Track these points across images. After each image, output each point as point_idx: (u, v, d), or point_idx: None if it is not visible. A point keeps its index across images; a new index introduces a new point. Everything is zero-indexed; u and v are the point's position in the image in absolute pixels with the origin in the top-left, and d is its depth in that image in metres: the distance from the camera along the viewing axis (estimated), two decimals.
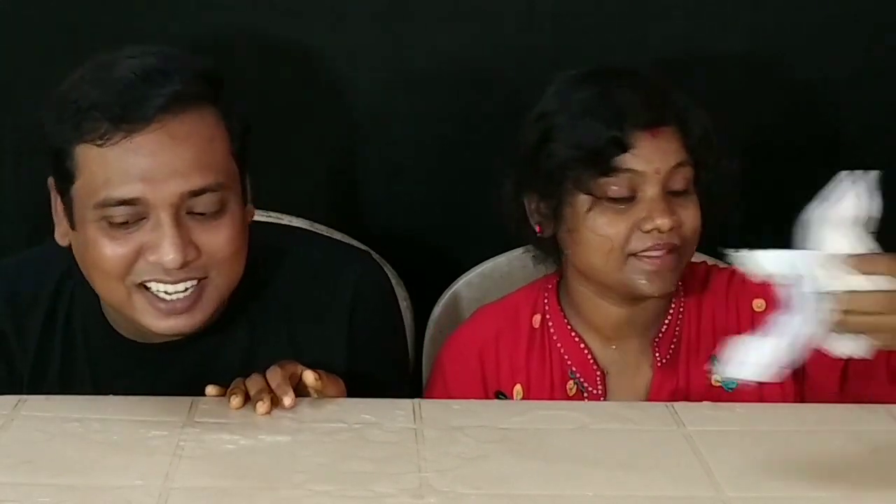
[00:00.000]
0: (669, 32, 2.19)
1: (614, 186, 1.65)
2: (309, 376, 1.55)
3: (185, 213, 1.53)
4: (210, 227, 1.54)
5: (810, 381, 1.70)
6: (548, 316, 1.78)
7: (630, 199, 1.65)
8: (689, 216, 1.67)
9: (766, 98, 2.23)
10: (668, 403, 1.60)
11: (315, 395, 1.56)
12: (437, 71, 2.20)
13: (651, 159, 1.65)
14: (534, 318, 1.78)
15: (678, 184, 1.66)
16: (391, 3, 2.18)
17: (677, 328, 1.75)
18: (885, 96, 2.22)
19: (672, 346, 1.74)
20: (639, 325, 1.75)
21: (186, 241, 1.52)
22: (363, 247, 1.95)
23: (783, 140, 2.25)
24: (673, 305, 1.76)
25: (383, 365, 1.73)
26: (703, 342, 1.74)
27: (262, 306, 1.68)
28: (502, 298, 1.86)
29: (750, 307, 1.73)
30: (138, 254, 1.53)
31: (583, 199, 1.67)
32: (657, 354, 1.74)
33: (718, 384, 1.72)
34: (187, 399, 1.54)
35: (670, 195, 1.66)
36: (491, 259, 2.05)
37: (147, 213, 1.52)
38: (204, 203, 1.53)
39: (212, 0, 2.18)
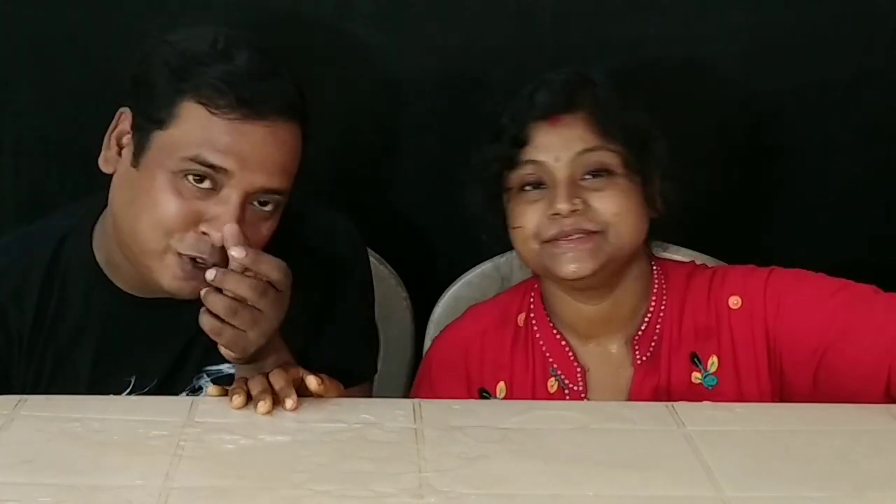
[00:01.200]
0: (669, 32, 2.19)
1: (521, 177, 1.70)
2: (312, 381, 1.56)
3: (248, 203, 1.60)
4: (259, 222, 1.63)
5: (786, 378, 1.71)
6: (532, 314, 1.80)
7: (541, 189, 1.69)
8: (606, 201, 1.68)
9: (766, 98, 2.23)
10: (668, 403, 1.60)
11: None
12: (437, 70, 2.20)
13: (550, 148, 1.68)
14: (519, 317, 1.81)
15: (590, 169, 1.68)
16: (391, 2, 2.18)
17: (658, 326, 1.75)
18: (881, 98, 2.22)
19: (652, 345, 1.75)
20: (615, 322, 1.76)
21: (241, 227, 1.58)
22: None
23: (782, 139, 2.25)
24: (653, 304, 1.76)
25: (355, 327, 1.79)
26: (684, 341, 1.74)
27: None
28: (494, 297, 1.89)
29: (726, 304, 1.74)
30: (194, 222, 1.59)
31: (504, 194, 1.73)
32: (637, 352, 1.75)
33: (699, 382, 1.73)
34: (187, 399, 1.55)
35: (587, 181, 1.68)
36: (491, 259, 2.05)
37: (221, 186, 1.58)
38: (269, 201, 1.62)
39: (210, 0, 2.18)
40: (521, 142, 1.70)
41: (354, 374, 1.76)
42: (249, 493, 1.33)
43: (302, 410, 1.53)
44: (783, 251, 2.29)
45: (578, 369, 1.76)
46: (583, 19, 2.18)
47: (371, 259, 2.02)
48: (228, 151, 1.58)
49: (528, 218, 1.69)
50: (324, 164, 2.27)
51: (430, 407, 1.57)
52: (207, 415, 1.51)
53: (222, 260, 1.58)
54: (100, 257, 1.71)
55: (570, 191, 1.67)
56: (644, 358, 1.74)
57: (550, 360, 1.77)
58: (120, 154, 1.66)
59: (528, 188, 1.70)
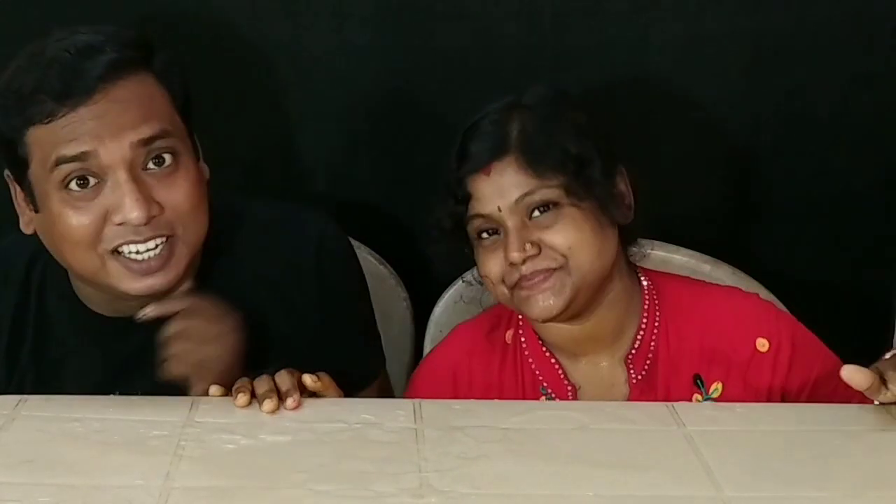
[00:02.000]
0: (669, 32, 2.19)
1: (474, 229, 1.68)
2: (307, 378, 1.57)
3: (140, 170, 1.58)
4: (167, 182, 1.59)
5: (789, 397, 1.71)
6: (520, 331, 1.77)
7: (497, 235, 1.67)
8: (557, 236, 1.64)
9: (766, 98, 2.23)
10: (668, 403, 1.60)
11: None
12: (437, 70, 2.20)
13: (490, 199, 1.65)
14: (507, 334, 1.78)
15: (536, 208, 1.65)
16: (391, 2, 2.18)
17: (652, 344, 1.72)
18: (884, 100, 2.22)
19: (647, 363, 1.72)
20: (602, 340, 1.73)
21: (147, 197, 1.57)
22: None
23: (781, 140, 2.26)
24: (644, 321, 1.73)
25: (355, 322, 1.78)
26: (685, 360, 1.71)
27: (228, 274, 1.71)
28: (478, 315, 1.86)
29: (752, 345, 1.70)
30: (104, 219, 1.58)
31: (469, 244, 1.71)
32: (632, 371, 1.71)
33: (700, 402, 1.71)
34: (187, 399, 1.55)
35: (535, 219, 1.65)
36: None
37: (104, 174, 1.57)
38: (157, 153, 1.58)
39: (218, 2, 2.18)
40: (464, 197, 1.67)
41: (364, 375, 1.76)
42: (249, 493, 1.33)
43: (302, 410, 1.53)
44: (782, 251, 2.29)
45: (569, 387, 1.73)
46: (583, 19, 2.18)
47: (371, 259, 2.03)
48: (80, 136, 1.55)
49: (490, 267, 1.67)
50: (323, 164, 2.27)
51: (430, 407, 1.57)
52: (207, 415, 1.51)
53: (155, 233, 1.57)
54: (75, 288, 1.71)
55: (519, 237, 1.64)
56: (640, 377, 1.71)
57: (540, 377, 1.74)
58: (31, 211, 1.65)
59: (484, 236, 1.68)
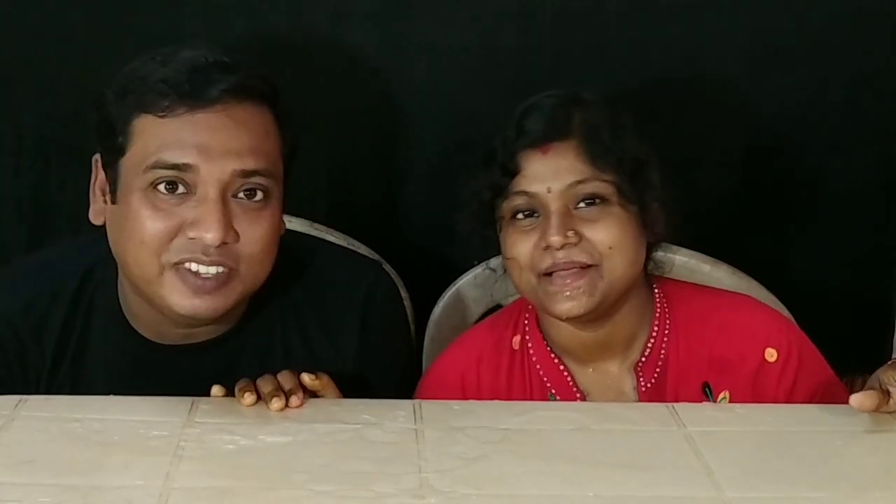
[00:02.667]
0: (669, 33, 2.19)
1: (512, 206, 1.65)
2: (305, 377, 1.57)
3: (230, 195, 1.57)
4: (251, 217, 1.58)
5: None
6: (527, 337, 1.75)
7: (534, 217, 1.64)
8: (601, 232, 1.62)
9: (766, 98, 2.23)
10: (668, 404, 1.60)
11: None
12: (437, 71, 2.20)
13: (542, 179, 1.63)
14: (514, 340, 1.76)
15: (584, 199, 1.63)
16: (391, 2, 2.18)
17: (662, 352, 1.71)
18: (883, 101, 2.22)
19: (657, 371, 1.71)
20: (613, 347, 1.71)
21: (228, 223, 1.56)
22: (375, 256, 1.97)
23: (782, 140, 2.26)
24: (655, 329, 1.72)
25: (390, 372, 1.76)
26: (694, 369, 1.70)
27: (277, 313, 1.71)
28: (483, 322, 1.85)
29: (761, 354, 1.70)
30: (178, 230, 1.57)
31: (499, 223, 1.68)
32: (641, 379, 1.71)
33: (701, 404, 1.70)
34: (187, 399, 1.54)
35: (580, 211, 1.63)
36: (491, 259, 2.05)
37: (195, 187, 1.56)
38: (250, 186, 1.58)
39: (217, 2, 2.18)
40: (511, 171, 1.64)
41: None
42: (249, 493, 1.33)
43: (302, 411, 1.53)
44: (782, 251, 2.29)
45: (578, 394, 1.72)
46: (583, 19, 2.18)
47: None
48: (187, 146, 1.55)
49: (521, 249, 1.64)
50: (322, 164, 2.27)
51: (430, 407, 1.57)
52: (207, 415, 1.51)
53: (221, 260, 1.57)
54: (123, 303, 1.70)
55: (562, 222, 1.61)
56: (649, 384, 1.71)
57: (548, 384, 1.73)
58: (106, 202, 1.64)
59: (520, 216, 1.65)
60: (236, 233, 1.57)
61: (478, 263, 1.88)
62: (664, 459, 1.43)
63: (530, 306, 1.76)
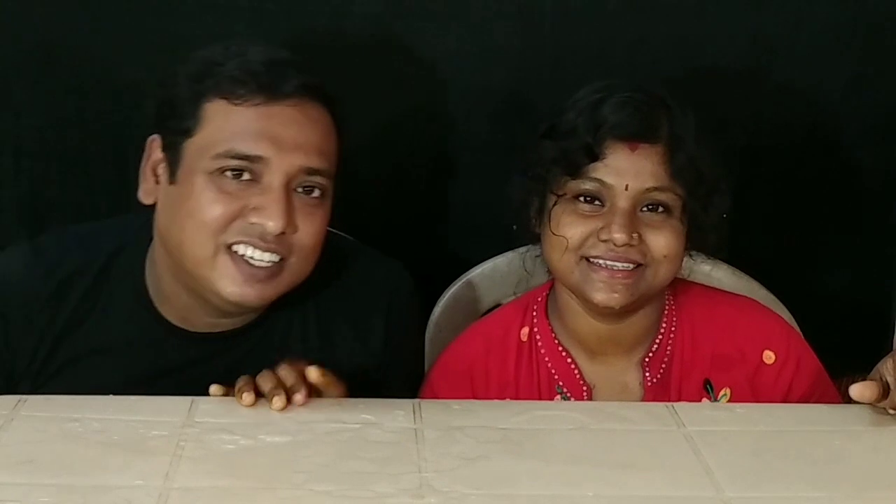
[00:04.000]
0: (669, 33, 2.19)
1: (580, 189, 1.64)
2: (312, 372, 1.56)
3: (292, 188, 1.61)
4: (307, 211, 1.63)
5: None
6: (535, 329, 1.76)
7: (596, 205, 1.64)
8: (661, 240, 1.64)
9: (765, 98, 2.23)
10: (668, 404, 1.60)
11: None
12: (437, 71, 2.20)
13: (623, 174, 1.63)
14: (522, 332, 1.76)
15: (653, 206, 1.64)
16: (392, 3, 2.18)
17: (668, 348, 1.73)
18: (883, 101, 2.22)
19: (663, 366, 1.72)
20: (625, 342, 1.73)
21: (291, 213, 1.60)
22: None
23: (781, 141, 2.26)
24: (664, 325, 1.74)
25: (405, 372, 1.79)
26: (697, 365, 1.72)
27: (299, 306, 1.73)
28: (492, 313, 1.86)
29: (759, 355, 1.71)
30: (240, 213, 1.60)
31: (553, 197, 1.67)
32: (647, 374, 1.72)
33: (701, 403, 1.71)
34: (187, 399, 1.54)
35: (644, 214, 1.64)
36: (491, 259, 2.05)
37: (261, 176, 1.59)
38: (311, 184, 1.62)
39: (219, 2, 2.18)
40: (594, 155, 1.63)
41: None
42: (249, 493, 1.33)
43: (301, 410, 1.53)
44: (782, 251, 2.29)
45: (584, 387, 1.73)
46: (583, 19, 2.18)
47: None
48: (260, 137, 1.59)
49: (575, 231, 1.64)
50: None
51: (430, 407, 1.57)
52: (207, 415, 1.51)
53: (276, 248, 1.59)
54: (150, 287, 1.71)
55: (629, 222, 1.62)
56: (655, 380, 1.72)
57: (556, 376, 1.73)
58: (157, 182, 1.66)
59: (582, 199, 1.65)
60: (295, 224, 1.61)
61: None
62: (664, 459, 1.43)
63: (539, 298, 1.77)
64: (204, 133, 1.60)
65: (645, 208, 1.64)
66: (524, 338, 1.76)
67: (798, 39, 2.20)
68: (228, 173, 1.59)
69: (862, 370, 1.59)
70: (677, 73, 2.20)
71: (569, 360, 1.74)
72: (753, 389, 1.71)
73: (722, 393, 1.71)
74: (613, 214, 1.63)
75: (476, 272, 2.04)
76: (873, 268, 2.31)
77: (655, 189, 1.63)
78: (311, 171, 1.61)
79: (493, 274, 2.03)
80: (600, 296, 1.63)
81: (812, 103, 2.23)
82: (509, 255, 2.00)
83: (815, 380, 1.73)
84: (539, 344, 1.75)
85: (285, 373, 1.56)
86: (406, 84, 2.21)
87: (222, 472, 1.37)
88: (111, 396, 1.57)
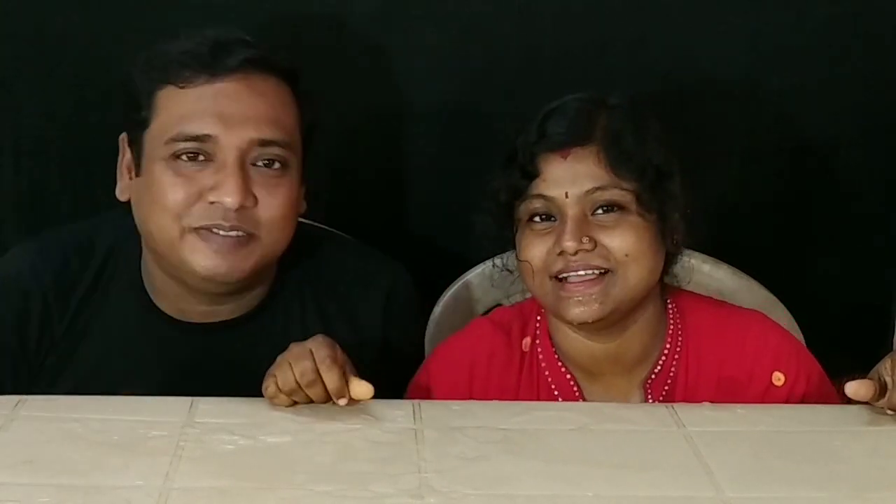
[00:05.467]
0: (669, 32, 2.19)
1: (530, 209, 1.63)
2: (363, 389, 1.52)
3: (249, 163, 1.62)
4: (269, 184, 1.63)
5: None
6: (538, 341, 1.73)
7: (551, 221, 1.62)
8: (617, 240, 1.60)
9: (766, 98, 2.23)
10: (668, 404, 1.60)
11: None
12: (437, 71, 2.20)
13: (561, 183, 1.61)
14: (524, 341, 1.74)
15: (602, 206, 1.61)
16: (391, 3, 2.18)
17: (672, 369, 1.69)
18: (883, 101, 2.22)
19: (666, 388, 1.69)
20: (624, 361, 1.69)
21: (247, 188, 1.61)
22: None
23: (782, 140, 2.26)
24: (668, 345, 1.70)
25: (402, 367, 1.77)
26: (702, 387, 1.68)
27: (299, 300, 1.75)
28: (494, 313, 1.83)
29: (769, 377, 1.68)
30: (199, 195, 1.61)
31: (515, 224, 1.66)
32: (649, 396, 1.69)
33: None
34: (187, 399, 1.54)
35: (598, 217, 1.61)
36: (490, 259, 2.04)
37: (214, 155, 1.61)
38: (268, 156, 1.63)
39: (217, 2, 2.18)
40: (531, 174, 1.62)
41: None
42: (249, 493, 1.33)
43: (301, 410, 1.53)
44: (782, 251, 2.29)
45: None
46: (583, 19, 2.18)
47: None
48: (206, 115, 1.60)
49: (535, 252, 1.62)
50: (323, 164, 2.26)
51: (429, 407, 1.57)
52: (207, 415, 1.51)
53: (240, 225, 1.60)
54: (146, 279, 1.73)
55: (578, 228, 1.59)
56: (657, 402, 1.68)
57: (556, 392, 1.71)
58: (131, 178, 1.69)
59: (536, 220, 1.63)
60: (255, 197, 1.62)
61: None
62: (664, 459, 1.43)
63: (543, 309, 1.74)
64: (158, 121, 1.63)
65: (599, 211, 1.61)
66: (526, 348, 1.73)
67: (798, 40, 2.20)
68: (184, 157, 1.61)
69: (862, 370, 1.59)
70: (677, 73, 2.20)
71: (568, 376, 1.70)
72: None
73: None
74: (563, 225, 1.61)
75: (476, 272, 2.04)
76: (873, 268, 2.31)
77: (597, 189, 1.60)
78: (265, 143, 1.62)
79: (492, 274, 2.03)
80: (573, 312, 1.61)
81: (811, 104, 2.22)
82: (509, 255, 2.00)
83: (822, 392, 1.70)
84: (540, 357, 1.72)
85: (330, 378, 1.51)
86: (406, 84, 2.21)
87: (222, 472, 1.37)
88: (111, 396, 1.57)
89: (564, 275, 1.61)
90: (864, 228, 2.29)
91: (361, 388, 1.53)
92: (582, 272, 1.60)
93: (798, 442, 1.49)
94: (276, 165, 1.64)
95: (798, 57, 2.20)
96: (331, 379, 1.51)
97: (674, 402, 1.67)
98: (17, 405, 1.52)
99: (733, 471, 1.39)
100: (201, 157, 1.61)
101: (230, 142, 1.60)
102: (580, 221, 1.60)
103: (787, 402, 1.68)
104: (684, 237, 1.67)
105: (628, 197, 1.61)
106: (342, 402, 1.52)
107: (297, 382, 1.52)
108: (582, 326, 1.64)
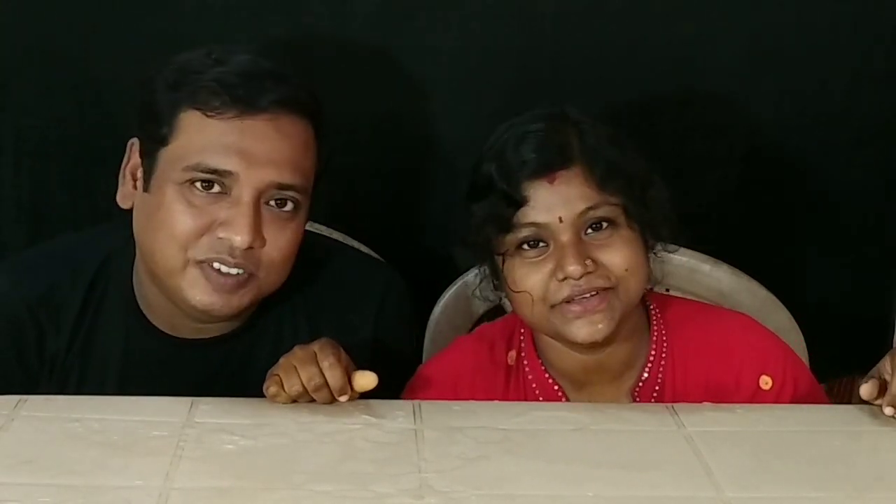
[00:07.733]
0: (669, 33, 2.19)
1: (519, 238, 1.59)
2: (368, 379, 1.54)
3: (263, 202, 1.60)
4: (278, 225, 1.61)
5: None
6: (523, 354, 1.71)
7: (541, 247, 1.60)
8: (616, 257, 1.59)
9: (765, 98, 2.23)
10: (668, 404, 1.60)
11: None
12: (437, 71, 2.20)
13: (553, 208, 1.58)
14: (509, 355, 1.72)
15: (595, 225, 1.59)
16: (391, 2, 2.18)
17: (659, 377, 1.68)
18: (883, 101, 2.22)
19: (654, 395, 1.68)
20: (611, 369, 1.67)
21: (259, 228, 1.59)
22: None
23: (782, 140, 2.26)
24: (653, 352, 1.69)
25: (395, 373, 1.74)
26: (690, 393, 1.67)
27: (290, 310, 1.73)
28: (478, 330, 1.82)
29: (756, 381, 1.67)
30: (209, 228, 1.59)
31: (499, 258, 1.63)
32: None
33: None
34: (187, 399, 1.54)
35: (590, 235, 1.59)
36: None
37: (230, 189, 1.58)
38: (283, 197, 1.61)
39: (218, 2, 2.18)
40: (517, 202, 1.58)
41: None
42: (249, 493, 1.33)
43: (301, 410, 1.53)
44: (782, 251, 2.29)
45: None
46: (583, 19, 2.18)
47: None
48: (230, 152, 1.58)
49: (533, 282, 1.59)
50: (323, 164, 2.27)
51: (430, 408, 1.57)
52: (207, 415, 1.51)
53: (244, 263, 1.59)
54: (138, 293, 1.71)
55: (578, 252, 1.57)
56: None
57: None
58: (135, 187, 1.66)
59: (526, 247, 1.60)
60: (263, 238, 1.60)
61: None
62: (664, 459, 1.43)
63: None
64: (177, 143, 1.60)
65: (589, 230, 1.59)
66: (511, 361, 1.72)
67: (798, 39, 2.20)
68: (198, 185, 1.58)
69: (862, 370, 1.59)
70: (677, 73, 2.20)
71: (556, 387, 1.69)
72: None
73: None
74: (561, 250, 1.58)
75: (476, 272, 2.04)
76: (873, 268, 2.31)
77: (590, 209, 1.59)
78: (283, 187, 1.60)
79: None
80: (583, 333, 1.59)
81: (812, 104, 2.23)
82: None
83: (810, 395, 1.70)
84: (527, 369, 1.71)
85: (332, 374, 1.52)
86: (406, 84, 2.21)
87: (222, 472, 1.37)
88: (111, 396, 1.57)
89: (570, 299, 1.59)
90: (864, 228, 2.29)
91: (365, 379, 1.54)
92: (587, 295, 1.59)
93: (798, 442, 1.49)
94: (289, 206, 1.62)
95: (798, 57, 2.20)
96: (333, 377, 1.52)
97: None
98: (17, 405, 1.52)
99: (733, 471, 1.39)
100: (216, 189, 1.59)
101: (250, 181, 1.58)
102: (577, 244, 1.58)
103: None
104: (672, 239, 1.67)
105: (617, 211, 1.60)
106: (343, 398, 1.52)
107: (304, 387, 1.53)
108: (592, 346, 1.62)
